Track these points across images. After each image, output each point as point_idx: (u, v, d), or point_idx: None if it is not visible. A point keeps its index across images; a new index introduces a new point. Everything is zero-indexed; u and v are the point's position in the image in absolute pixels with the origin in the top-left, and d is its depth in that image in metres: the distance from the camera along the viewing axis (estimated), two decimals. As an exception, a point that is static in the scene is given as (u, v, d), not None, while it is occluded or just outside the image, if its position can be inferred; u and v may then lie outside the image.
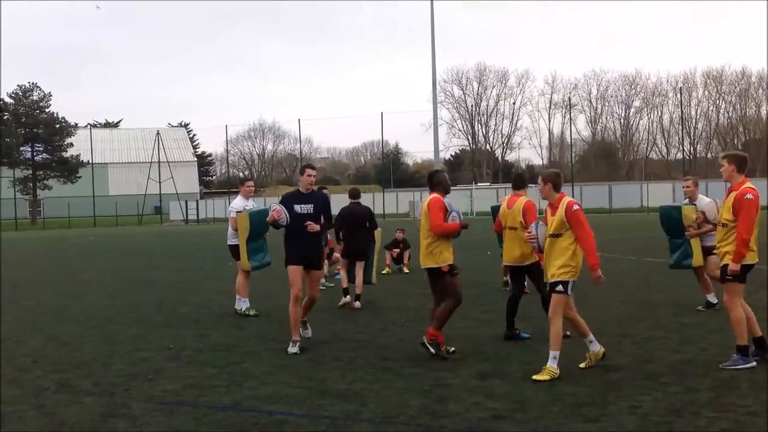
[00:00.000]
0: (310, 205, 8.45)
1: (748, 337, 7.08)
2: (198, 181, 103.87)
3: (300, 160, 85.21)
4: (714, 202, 8.28)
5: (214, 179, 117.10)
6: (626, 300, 11.59)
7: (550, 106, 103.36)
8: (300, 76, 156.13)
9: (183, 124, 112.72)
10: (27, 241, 41.53)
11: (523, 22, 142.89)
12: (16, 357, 8.50)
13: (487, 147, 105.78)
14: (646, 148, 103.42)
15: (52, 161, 74.46)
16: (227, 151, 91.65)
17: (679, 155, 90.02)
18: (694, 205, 10.30)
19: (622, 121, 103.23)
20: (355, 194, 12.17)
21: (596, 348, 7.22)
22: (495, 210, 11.37)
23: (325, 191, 10.93)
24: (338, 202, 13.93)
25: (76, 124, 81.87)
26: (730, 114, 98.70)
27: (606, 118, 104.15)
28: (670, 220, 10.64)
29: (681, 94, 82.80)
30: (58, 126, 74.96)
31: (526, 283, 9.24)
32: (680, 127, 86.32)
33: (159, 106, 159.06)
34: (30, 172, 73.45)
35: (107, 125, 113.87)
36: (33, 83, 75.25)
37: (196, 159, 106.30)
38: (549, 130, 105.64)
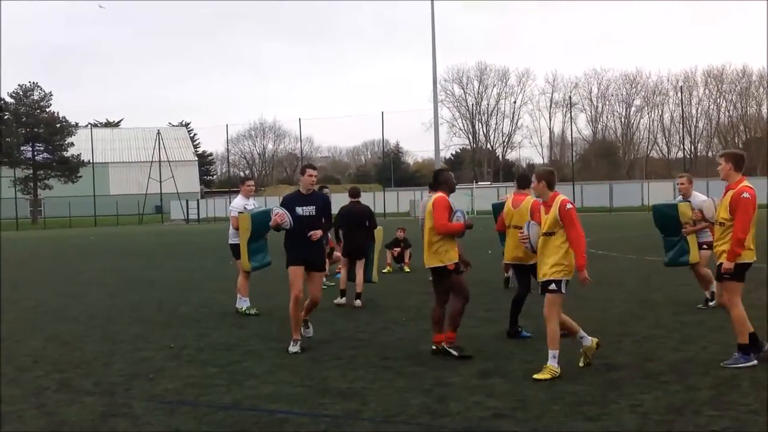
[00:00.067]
0: (311, 207, 8.44)
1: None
2: (199, 180, 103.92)
3: (301, 159, 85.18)
4: (712, 201, 8.28)
5: (215, 179, 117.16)
6: (627, 299, 11.58)
7: (550, 105, 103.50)
8: (300, 76, 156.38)
9: (183, 123, 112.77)
10: (27, 240, 41.55)
11: (524, 22, 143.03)
12: (16, 356, 8.50)
13: (488, 146, 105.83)
14: (647, 147, 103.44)
15: (52, 161, 74.48)
16: (228, 150, 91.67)
17: (680, 154, 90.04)
18: (689, 202, 10.30)
19: (622, 119, 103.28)
20: (354, 193, 12.18)
21: (588, 342, 7.17)
22: (496, 207, 11.37)
23: (325, 191, 10.93)
24: (339, 201, 13.93)
25: (77, 124, 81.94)
26: (731, 113, 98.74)
27: (607, 117, 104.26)
28: (665, 217, 10.57)
29: (682, 92, 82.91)
30: (58, 125, 74.97)
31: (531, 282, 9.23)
32: (681, 125, 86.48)
33: (159, 106, 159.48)
34: (30, 171, 73.49)
35: (108, 125, 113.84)
36: (33, 83, 75.31)
37: (196, 158, 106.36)
38: (550, 129, 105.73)
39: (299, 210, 8.37)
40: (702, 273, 10.41)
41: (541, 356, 7.18)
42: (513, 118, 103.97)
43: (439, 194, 7.98)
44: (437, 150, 43.19)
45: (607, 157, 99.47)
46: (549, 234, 7.00)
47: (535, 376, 6.74)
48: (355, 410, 5.97)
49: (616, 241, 24.48)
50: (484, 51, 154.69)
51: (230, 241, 11.32)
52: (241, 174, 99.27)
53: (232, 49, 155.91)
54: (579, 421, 5.51)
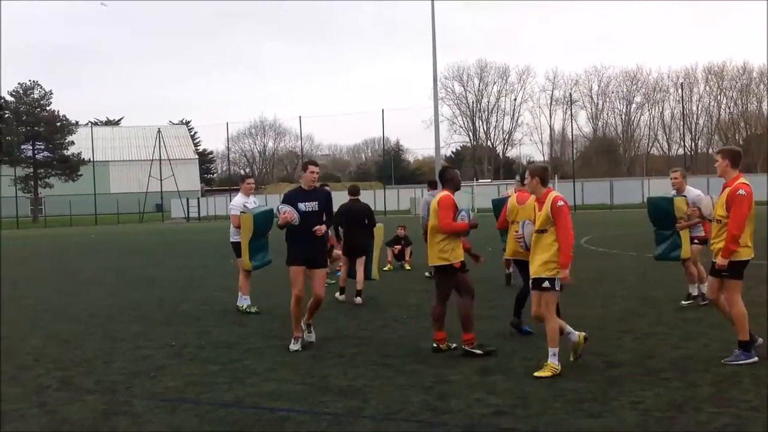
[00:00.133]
0: (314, 203, 8.43)
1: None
2: (199, 178, 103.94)
3: (301, 157, 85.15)
4: (710, 198, 8.27)
5: (216, 177, 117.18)
6: (627, 296, 11.58)
7: (551, 103, 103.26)
8: (300, 76, 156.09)
9: (184, 121, 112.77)
10: (28, 239, 41.58)
11: (523, 22, 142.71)
12: (17, 355, 8.51)
13: (488, 143, 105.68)
14: (648, 144, 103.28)
15: (53, 159, 74.54)
16: (228, 148, 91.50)
17: (681, 151, 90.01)
18: (684, 196, 10.29)
19: (623, 116, 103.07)
20: (354, 191, 12.18)
21: (575, 338, 7.13)
22: (496, 203, 11.35)
23: (326, 189, 10.88)
24: (339, 199, 13.89)
25: (77, 122, 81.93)
26: (731, 109, 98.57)
27: (607, 114, 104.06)
28: (660, 211, 10.52)
29: (682, 89, 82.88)
30: (59, 124, 75.03)
31: None
32: (681, 122, 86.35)
33: (159, 106, 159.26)
34: (31, 170, 73.55)
35: (108, 123, 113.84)
36: (34, 81, 75.40)
37: (197, 156, 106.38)
38: (550, 126, 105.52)
39: (302, 206, 8.36)
40: (691, 270, 10.39)
41: (541, 354, 7.17)
42: (513, 115, 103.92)
43: (445, 192, 7.96)
44: (437, 148, 43.04)
45: (607, 154, 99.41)
46: (541, 231, 6.97)
47: (535, 373, 6.74)
48: (356, 408, 5.98)
49: (617, 238, 24.48)
50: (485, 50, 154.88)
51: (231, 239, 11.33)
52: (242, 172, 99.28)
53: (232, 49, 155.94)
54: (580, 418, 5.51)
